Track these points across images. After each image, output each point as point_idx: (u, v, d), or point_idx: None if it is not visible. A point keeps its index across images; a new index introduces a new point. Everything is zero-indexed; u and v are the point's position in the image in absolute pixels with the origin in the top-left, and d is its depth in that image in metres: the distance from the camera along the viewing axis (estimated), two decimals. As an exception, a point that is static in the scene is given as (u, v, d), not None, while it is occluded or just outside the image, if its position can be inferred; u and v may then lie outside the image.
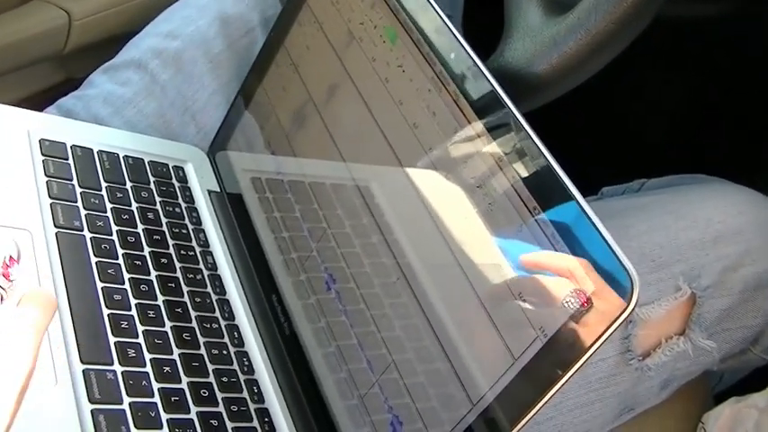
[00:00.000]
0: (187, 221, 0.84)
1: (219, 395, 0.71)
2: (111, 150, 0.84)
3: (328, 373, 0.74)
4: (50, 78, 1.11)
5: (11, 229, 0.71)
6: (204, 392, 0.71)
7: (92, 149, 0.83)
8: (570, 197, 0.57)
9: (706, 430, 0.87)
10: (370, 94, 0.73)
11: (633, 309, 0.53)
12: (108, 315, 0.70)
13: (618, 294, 0.53)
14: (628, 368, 0.81)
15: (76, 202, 0.77)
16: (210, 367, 0.73)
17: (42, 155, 0.79)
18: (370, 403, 0.70)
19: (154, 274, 0.76)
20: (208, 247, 0.83)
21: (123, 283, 0.74)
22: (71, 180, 0.79)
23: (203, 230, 0.84)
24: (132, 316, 0.72)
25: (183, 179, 0.88)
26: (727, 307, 0.84)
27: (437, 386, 0.65)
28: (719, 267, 0.83)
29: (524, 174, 0.60)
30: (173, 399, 0.68)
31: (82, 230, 0.75)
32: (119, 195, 0.81)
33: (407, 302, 0.67)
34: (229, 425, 0.70)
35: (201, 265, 0.81)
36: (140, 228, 0.79)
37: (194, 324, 0.75)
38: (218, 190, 0.90)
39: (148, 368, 0.69)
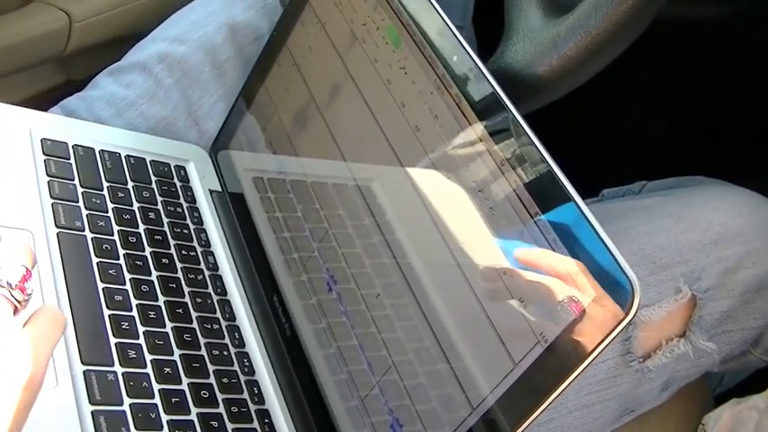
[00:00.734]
0: (188, 221, 0.84)
1: (220, 396, 0.71)
2: (112, 150, 0.84)
3: (329, 375, 0.74)
4: (51, 80, 1.11)
5: (12, 230, 0.71)
6: (205, 393, 0.71)
7: (93, 149, 0.83)
8: (572, 201, 0.57)
9: (706, 431, 0.88)
10: (373, 95, 0.73)
11: (634, 316, 0.53)
12: (109, 316, 0.70)
13: (618, 301, 0.53)
14: (628, 370, 0.81)
15: (78, 201, 0.77)
16: (211, 368, 0.73)
17: (44, 154, 0.79)
18: (370, 405, 0.70)
19: (155, 274, 0.76)
20: (209, 247, 0.83)
21: (124, 284, 0.74)
22: (73, 180, 0.79)
23: (205, 230, 0.84)
24: (133, 317, 0.72)
25: (185, 179, 0.88)
26: (727, 309, 0.84)
27: (437, 389, 0.65)
28: (720, 269, 0.83)
29: (525, 177, 0.60)
30: (173, 400, 0.68)
31: (83, 231, 0.75)
32: (120, 195, 0.81)
33: (408, 304, 0.67)
34: (230, 426, 0.70)
35: (203, 266, 0.81)
36: (142, 228, 0.79)
37: (195, 325, 0.75)
38: (220, 189, 0.90)
39: (149, 369, 0.69)
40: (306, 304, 0.77)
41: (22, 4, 1.01)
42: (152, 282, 0.76)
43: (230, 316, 0.78)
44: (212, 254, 0.83)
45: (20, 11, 1.01)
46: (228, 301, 0.80)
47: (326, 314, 0.75)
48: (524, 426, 0.58)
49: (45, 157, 0.79)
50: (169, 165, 0.87)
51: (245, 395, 0.73)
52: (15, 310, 0.54)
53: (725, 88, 1.22)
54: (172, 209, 0.83)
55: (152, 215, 0.81)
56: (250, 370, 0.76)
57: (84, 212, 0.77)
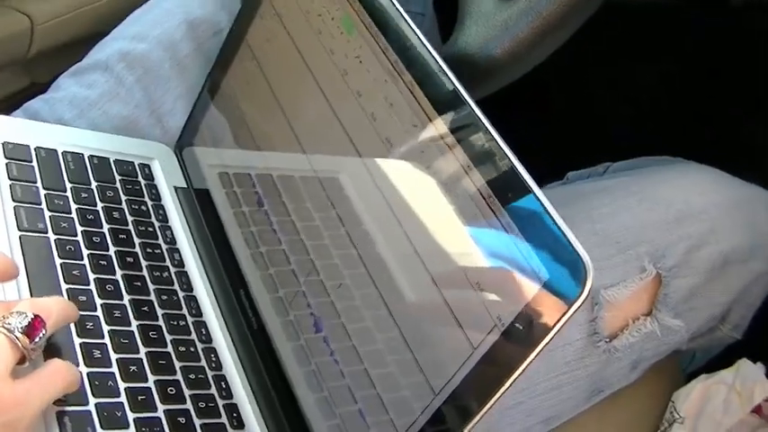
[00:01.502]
0: (153, 219, 0.84)
1: (187, 392, 0.71)
2: (75, 151, 0.84)
3: (297, 366, 0.74)
4: (15, 84, 1.10)
5: None
6: (171, 390, 0.71)
7: (56, 150, 0.83)
8: (524, 185, 0.57)
9: (676, 408, 0.88)
10: (330, 86, 0.73)
11: (587, 296, 0.53)
12: (73, 316, 0.70)
13: (572, 281, 0.54)
14: (596, 350, 0.81)
15: (41, 204, 0.77)
16: (178, 365, 0.73)
17: (5, 158, 0.79)
18: (337, 395, 0.70)
19: (119, 273, 0.76)
20: (174, 243, 0.83)
21: (88, 284, 0.73)
22: (35, 182, 0.79)
23: (170, 227, 0.84)
24: (98, 316, 0.72)
25: (150, 176, 0.88)
26: (692, 286, 0.84)
27: (402, 377, 0.65)
28: (684, 247, 0.84)
29: (479, 162, 0.60)
30: (139, 398, 0.68)
31: (46, 232, 0.75)
32: (84, 196, 0.80)
33: (372, 294, 0.67)
34: (197, 421, 0.70)
35: (168, 263, 0.81)
36: (106, 227, 0.79)
37: (161, 322, 0.75)
38: (186, 186, 0.90)
39: (114, 368, 0.69)
40: (273, 297, 0.78)
41: (-17, 8, 1.01)
42: (116, 281, 0.75)
43: (197, 312, 0.78)
44: (178, 251, 0.83)
45: (-20, 15, 1.00)
46: (195, 297, 0.80)
47: (293, 307, 0.75)
48: (487, 407, 0.58)
49: (6, 161, 0.78)
50: (133, 163, 0.87)
51: (213, 390, 0.73)
52: (23, 358, 0.59)
53: (692, 71, 1.22)
54: (136, 207, 0.83)
55: (116, 214, 0.81)
56: (217, 365, 0.76)
57: (47, 214, 0.76)
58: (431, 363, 0.62)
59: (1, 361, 0.56)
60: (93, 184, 0.82)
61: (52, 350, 0.66)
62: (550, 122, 1.23)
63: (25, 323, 0.58)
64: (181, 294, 0.79)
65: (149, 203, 0.85)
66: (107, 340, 0.70)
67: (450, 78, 0.63)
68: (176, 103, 0.92)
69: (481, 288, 0.59)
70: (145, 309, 0.75)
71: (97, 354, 0.69)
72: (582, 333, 0.80)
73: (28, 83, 1.11)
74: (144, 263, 0.79)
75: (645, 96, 1.28)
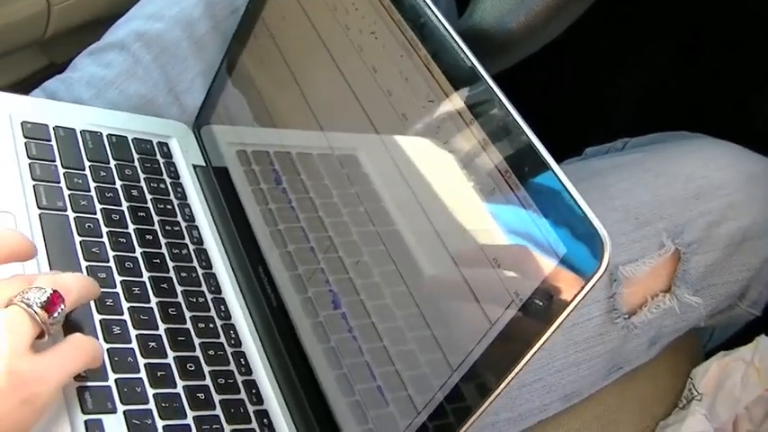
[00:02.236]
0: (172, 197, 0.84)
1: (206, 369, 0.72)
2: (94, 130, 0.84)
3: (316, 343, 0.74)
4: (33, 64, 1.11)
5: None
6: (191, 366, 0.71)
7: (74, 129, 0.83)
8: (542, 160, 0.57)
9: (694, 385, 0.88)
10: (346, 62, 0.73)
11: (605, 270, 0.53)
12: (93, 293, 0.71)
13: (590, 256, 0.53)
14: (614, 327, 0.81)
15: (59, 182, 0.77)
16: (197, 341, 0.73)
17: (24, 137, 0.79)
18: (356, 372, 0.70)
19: (139, 250, 0.77)
20: (193, 221, 0.84)
21: (108, 261, 0.74)
22: (54, 161, 0.79)
23: (189, 205, 0.85)
24: (117, 293, 0.72)
25: (168, 155, 0.88)
26: (712, 262, 0.84)
27: (421, 353, 0.65)
28: (703, 223, 0.83)
29: (497, 139, 0.60)
30: (159, 374, 0.69)
31: (65, 210, 0.75)
32: (102, 174, 0.81)
33: (391, 271, 0.67)
34: (216, 398, 0.70)
35: (187, 240, 0.81)
36: (125, 205, 0.80)
37: (180, 299, 0.75)
38: (204, 164, 0.90)
39: (134, 344, 0.69)
40: (292, 275, 0.78)
41: (0, -11, 1.01)
42: (136, 258, 0.76)
43: (216, 289, 0.79)
44: (197, 228, 0.83)
45: (-3, -3, 1.00)
46: (214, 274, 0.80)
47: (312, 284, 0.75)
48: (505, 383, 0.58)
49: (26, 140, 0.79)
50: (151, 142, 0.87)
51: (232, 366, 0.74)
52: (42, 333, 0.59)
53: (710, 46, 1.21)
54: (155, 185, 0.84)
55: (135, 192, 0.82)
56: (236, 341, 0.76)
57: (66, 192, 0.77)
58: (449, 339, 0.62)
59: (20, 335, 0.56)
60: (112, 163, 0.82)
61: (72, 326, 0.66)
62: (564, 99, 1.23)
63: (44, 298, 0.58)
64: (200, 271, 0.79)
65: (168, 181, 0.85)
66: (126, 317, 0.71)
67: (465, 53, 0.62)
68: (194, 81, 0.92)
69: (498, 264, 0.59)
70: (164, 286, 0.75)
71: (117, 330, 0.69)
72: (600, 309, 0.80)
73: (45, 63, 1.12)
74: (163, 240, 0.79)
75: (655, 75, 1.28)
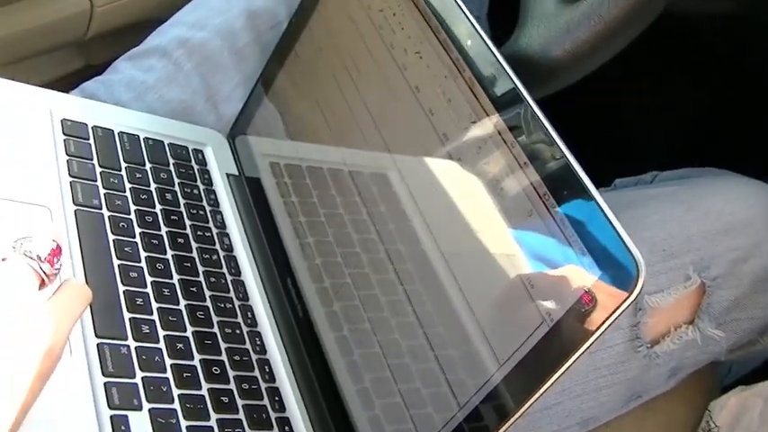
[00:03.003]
0: (205, 203, 0.85)
1: (231, 373, 0.73)
2: (131, 132, 0.85)
3: (340, 356, 0.75)
4: (71, 64, 1.12)
5: (31, 206, 0.73)
6: (216, 370, 0.72)
7: (113, 130, 0.84)
8: (582, 186, 0.58)
9: (712, 418, 0.88)
10: (388, 80, 0.74)
11: (638, 295, 0.53)
12: (123, 291, 0.71)
13: (623, 281, 0.54)
14: (636, 355, 0.81)
15: (96, 181, 0.78)
16: (223, 345, 0.74)
17: (64, 134, 0.80)
18: (379, 387, 0.71)
19: (170, 253, 0.78)
20: (224, 228, 0.84)
21: (140, 261, 0.75)
22: (91, 159, 0.80)
23: (220, 212, 0.86)
24: (147, 293, 0.73)
25: (203, 162, 0.89)
26: (735, 297, 0.84)
27: (443, 372, 0.66)
28: (729, 258, 0.84)
29: (537, 162, 0.60)
30: (185, 375, 0.70)
31: (100, 209, 0.76)
32: (138, 176, 0.82)
33: (421, 289, 0.68)
34: (240, 402, 0.71)
35: (218, 246, 0.82)
36: (158, 208, 0.81)
37: (208, 303, 0.76)
38: (237, 173, 0.91)
39: (161, 344, 0.70)
40: (319, 287, 0.78)
41: (45, -12, 1.02)
42: (167, 260, 0.77)
43: (243, 296, 0.80)
44: (227, 235, 0.84)
45: (42, -5, 1.02)
46: (242, 282, 0.81)
47: (340, 298, 0.76)
48: (528, 404, 0.58)
49: (65, 137, 0.80)
50: (187, 148, 0.88)
51: (257, 373, 0.74)
52: (42, 283, 0.56)
53: (738, 83, 1.22)
54: (188, 190, 0.85)
55: (169, 196, 0.82)
56: (262, 349, 0.77)
57: (102, 191, 0.78)
58: (473, 358, 0.63)
59: (29, 288, 0.54)
60: (148, 166, 0.83)
61: (103, 319, 0.68)
62: (597, 131, 1.23)
63: (48, 249, 0.57)
64: (229, 278, 0.80)
65: (201, 188, 0.86)
66: (155, 317, 0.72)
67: (510, 76, 0.63)
68: (233, 91, 0.94)
69: (531, 284, 0.59)
70: (193, 289, 0.76)
71: (146, 329, 0.70)
72: (624, 337, 0.81)
73: (83, 64, 1.13)
74: (194, 245, 0.80)
75: (687, 105, 1.28)
